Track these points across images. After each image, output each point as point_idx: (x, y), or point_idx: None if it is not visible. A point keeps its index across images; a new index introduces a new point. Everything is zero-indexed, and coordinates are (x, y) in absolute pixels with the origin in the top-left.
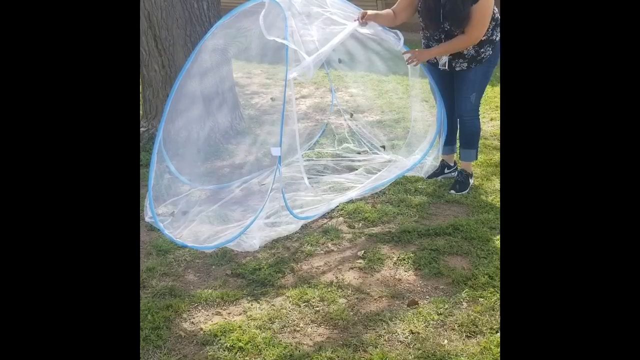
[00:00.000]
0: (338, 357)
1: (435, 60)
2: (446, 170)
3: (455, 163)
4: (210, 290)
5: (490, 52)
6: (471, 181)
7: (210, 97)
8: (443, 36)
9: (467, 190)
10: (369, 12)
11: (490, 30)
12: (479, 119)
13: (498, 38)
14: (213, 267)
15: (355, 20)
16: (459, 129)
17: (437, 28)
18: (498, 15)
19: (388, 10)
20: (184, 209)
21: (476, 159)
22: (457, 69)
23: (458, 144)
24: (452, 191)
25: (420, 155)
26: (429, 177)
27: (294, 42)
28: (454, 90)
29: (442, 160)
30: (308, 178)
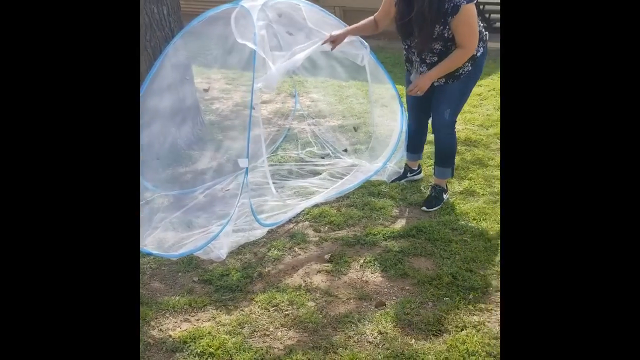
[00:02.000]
0: (309, 359)
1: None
2: (409, 175)
3: (419, 166)
4: (177, 297)
5: (470, 68)
6: (445, 197)
7: (173, 113)
8: (412, 45)
9: (439, 206)
10: (338, 32)
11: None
12: (454, 135)
13: (480, 53)
14: (179, 274)
15: (323, 43)
16: (434, 144)
17: (407, 37)
18: (480, 28)
19: (370, 18)
20: (146, 218)
21: (452, 176)
22: (435, 83)
23: (434, 161)
24: (424, 207)
25: (382, 162)
26: (392, 181)
27: (263, 50)
28: (426, 102)
29: (406, 164)
30: (273, 183)
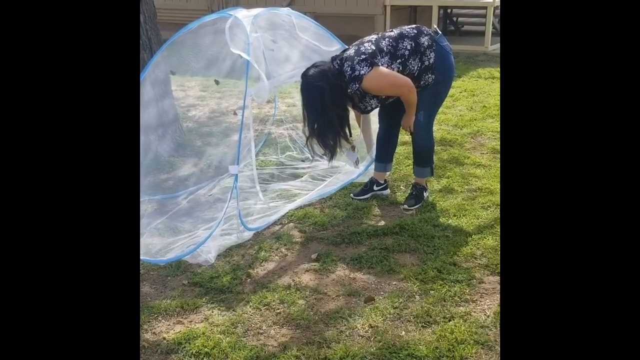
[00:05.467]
0: (304, 355)
1: None
2: (375, 188)
3: (385, 181)
4: (168, 301)
5: (433, 76)
6: (426, 194)
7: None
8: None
9: (420, 204)
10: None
11: (416, 63)
12: (430, 136)
13: (432, 60)
14: (169, 278)
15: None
16: (412, 146)
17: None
18: (412, 46)
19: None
20: None
21: (432, 175)
22: None
23: (412, 161)
24: (406, 206)
25: (364, 167)
26: (356, 195)
27: (255, 60)
28: (396, 111)
29: (372, 176)
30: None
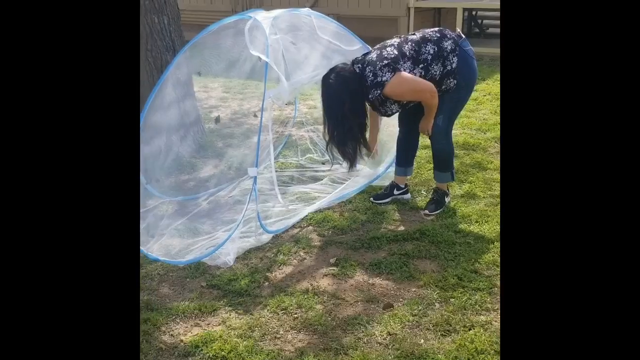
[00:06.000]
0: None
1: None
2: (395, 192)
3: (406, 185)
4: (187, 303)
5: (455, 81)
6: (447, 199)
7: (176, 127)
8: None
9: (441, 210)
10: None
11: (438, 67)
12: (449, 141)
13: (455, 64)
14: (187, 279)
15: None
16: (432, 151)
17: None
18: (434, 51)
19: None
20: (151, 226)
21: (453, 180)
22: None
23: (433, 166)
24: (426, 211)
25: (384, 167)
26: (376, 199)
27: (275, 62)
28: (416, 115)
29: (393, 180)
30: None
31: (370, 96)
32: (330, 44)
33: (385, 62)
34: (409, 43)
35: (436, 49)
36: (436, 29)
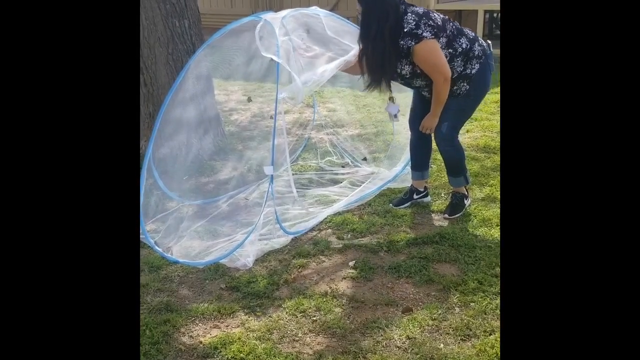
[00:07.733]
0: None
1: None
2: (415, 196)
3: (425, 188)
4: (206, 304)
5: (467, 87)
6: (467, 202)
7: (195, 124)
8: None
9: (461, 213)
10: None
11: (460, 64)
12: (455, 147)
13: (475, 70)
14: (207, 281)
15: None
16: (441, 157)
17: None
18: (466, 47)
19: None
20: (172, 227)
21: (468, 183)
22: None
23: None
24: (446, 214)
25: (401, 166)
26: (396, 204)
27: (287, 62)
28: (423, 117)
29: (412, 185)
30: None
31: (401, 42)
32: (340, 43)
33: (432, 22)
34: (451, 25)
35: (468, 46)
36: (472, 32)
